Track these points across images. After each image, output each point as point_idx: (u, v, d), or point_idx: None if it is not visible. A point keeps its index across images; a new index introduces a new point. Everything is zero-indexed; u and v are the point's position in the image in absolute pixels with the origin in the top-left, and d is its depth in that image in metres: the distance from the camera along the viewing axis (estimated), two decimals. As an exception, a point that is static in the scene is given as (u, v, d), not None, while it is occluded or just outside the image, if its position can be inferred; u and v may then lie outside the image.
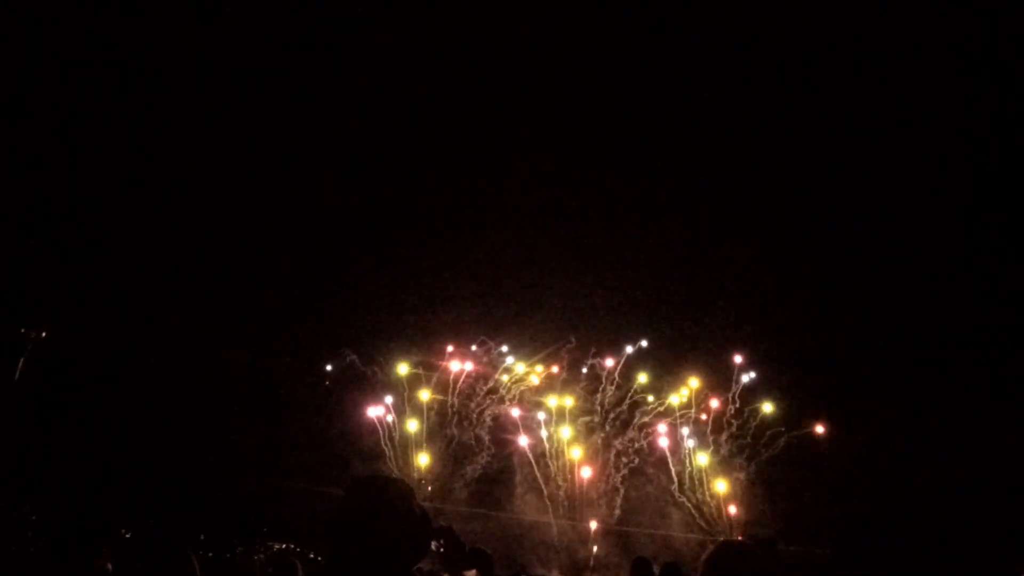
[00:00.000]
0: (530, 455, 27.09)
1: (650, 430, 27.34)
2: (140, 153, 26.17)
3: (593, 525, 26.43)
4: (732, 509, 26.44)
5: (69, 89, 24.63)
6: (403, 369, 27.53)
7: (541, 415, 27.39)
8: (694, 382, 27.60)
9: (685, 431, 27.22)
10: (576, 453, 27.24)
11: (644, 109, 27.82)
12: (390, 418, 27.33)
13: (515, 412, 27.52)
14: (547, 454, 27.15)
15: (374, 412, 27.20)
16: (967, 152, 25.89)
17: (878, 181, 26.88)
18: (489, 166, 28.34)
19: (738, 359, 27.66)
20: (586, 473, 27.05)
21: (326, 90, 27.53)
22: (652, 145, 27.65)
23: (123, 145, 25.83)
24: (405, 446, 27.31)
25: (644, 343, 28.10)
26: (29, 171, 24.49)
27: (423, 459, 27.21)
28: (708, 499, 26.59)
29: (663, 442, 27.10)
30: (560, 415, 27.56)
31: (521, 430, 27.33)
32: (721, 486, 26.68)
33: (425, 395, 27.53)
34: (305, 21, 26.39)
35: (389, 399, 27.47)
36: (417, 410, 27.38)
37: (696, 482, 26.77)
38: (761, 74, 26.68)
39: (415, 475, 26.59)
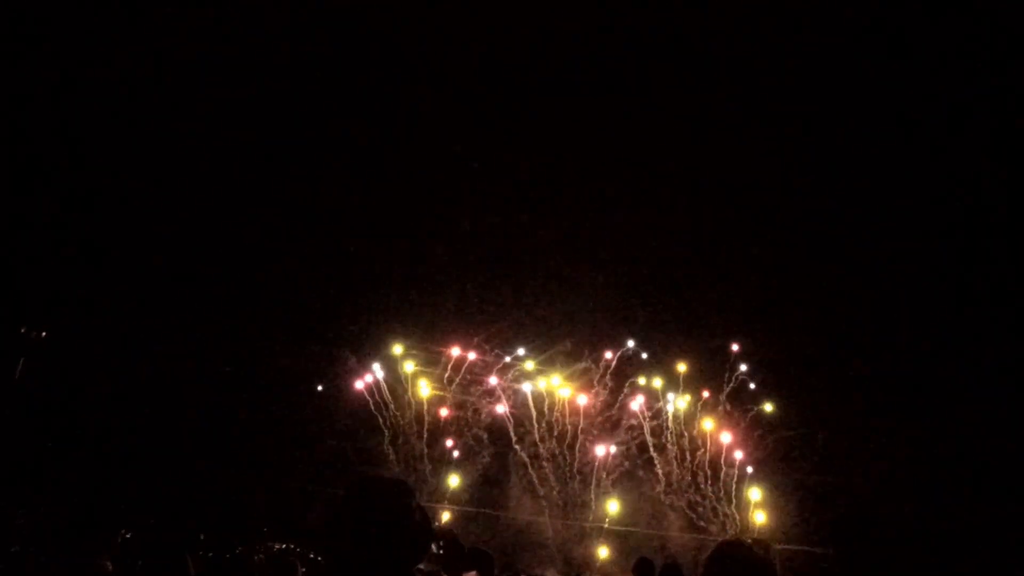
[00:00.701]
0: (525, 456, 27.10)
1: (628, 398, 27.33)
2: (140, 152, 26.18)
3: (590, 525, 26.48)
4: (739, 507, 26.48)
5: (69, 88, 24.63)
6: (397, 350, 27.49)
7: (527, 386, 27.34)
8: (682, 367, 27.58)
9: (671, 397, 27.18)
10: (566, 392, 27.15)
11: (643, 109, 27.84)
12: (379, 374, 27.27)
13: (493, 380, 27.50)
14: (535, 421, 27.10)
15: (362, 383, 27.14)
16: (966, 153, 25.89)
17: (877, 183, 26.88)
18: (487, 168, 28.36)
19: (735, 347, 27.75)
20: (582, 401, 26.99)
21: (324, 88, 27.54)
22: (652, 146, 27.67)
23: (123, 144, 25.84)
24: (407, 444, 27.35)
25: (644, 356, 28.06)
26: (29, 171, 24.50)
27: (424, 390, 27.13)
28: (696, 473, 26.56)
29: (635, 405, 27.04)
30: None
31: (502, 400, 27.32)
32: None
33: (424, 387, 27.55)
34: (307, 20, 26.39)
35: (379, 370, 27.29)
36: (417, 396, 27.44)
37: (678, 435, 26.77)
38: (760, 73, 26.67)
39: (417, 476, 26.62)
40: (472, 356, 27.68)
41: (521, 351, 27.73)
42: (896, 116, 26.16)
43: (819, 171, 27.21)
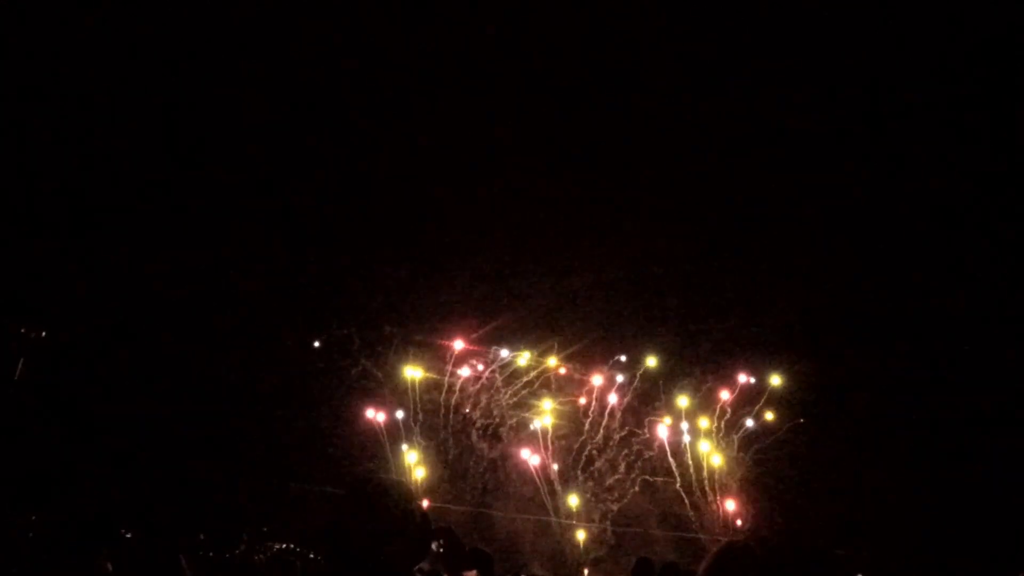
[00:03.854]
0: (524, 459, 27.08)
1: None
2: (141, 152, 26.17)
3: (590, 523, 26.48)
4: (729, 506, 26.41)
5: (69, 88, 24.62)
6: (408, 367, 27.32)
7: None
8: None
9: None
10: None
11: (642, 112, 27.81)
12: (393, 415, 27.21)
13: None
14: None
15: (373, 414, 27.00)
16: (965, 155, 25.88)
17: (877, 186, 26.86)
18: (484, 172, 28.30)
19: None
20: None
21: (324, 91, 27.52)
22: (652, 149, 27.61)
23: (124, 144, 25.84)
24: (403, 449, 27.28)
25: (626, 359, 27.92)
26: (29, 170, 24.49)
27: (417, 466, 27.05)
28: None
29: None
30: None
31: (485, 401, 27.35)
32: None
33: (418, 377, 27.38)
34: (310, 21, 26.37)
35: (400, 414, 27.16)
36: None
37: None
38: (761, 75, 26.61)
39: (417, 480, 26.55)
40: (479, 367, 27.59)
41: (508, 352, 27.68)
42: (895, 119, 26.18)
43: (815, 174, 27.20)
